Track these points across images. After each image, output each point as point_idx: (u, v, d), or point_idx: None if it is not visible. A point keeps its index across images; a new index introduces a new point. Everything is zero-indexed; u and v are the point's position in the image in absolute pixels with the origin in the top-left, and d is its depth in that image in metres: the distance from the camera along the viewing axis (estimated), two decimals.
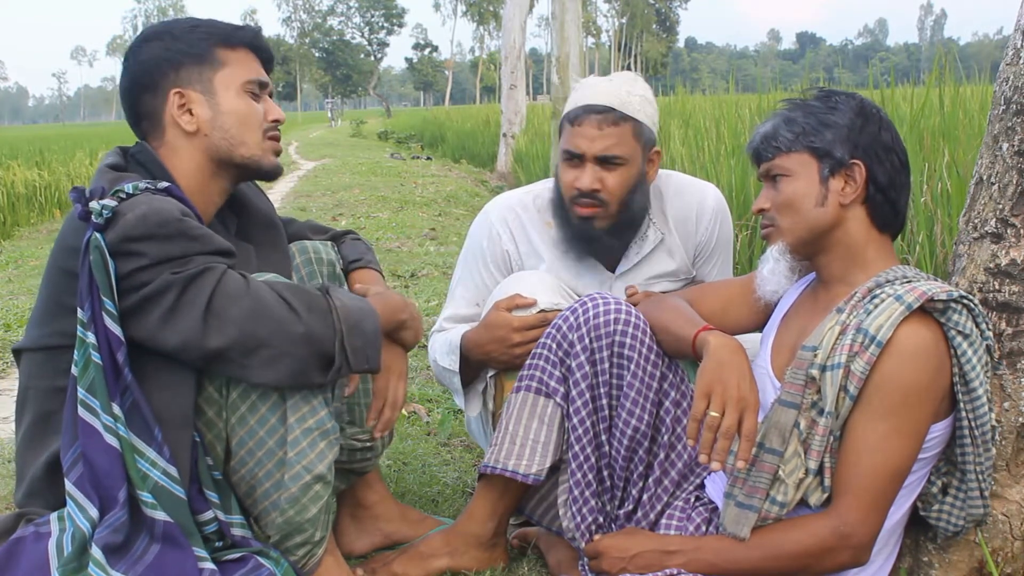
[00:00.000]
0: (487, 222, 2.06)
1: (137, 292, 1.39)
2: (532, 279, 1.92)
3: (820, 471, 1.44)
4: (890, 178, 1.50)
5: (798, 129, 1.51)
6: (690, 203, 2.06)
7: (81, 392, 1.39)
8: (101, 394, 1.38)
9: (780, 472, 1.45)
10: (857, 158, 1.49)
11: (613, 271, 2.03)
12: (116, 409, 1.38)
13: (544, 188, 2.08)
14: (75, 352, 1.39)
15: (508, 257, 2.04)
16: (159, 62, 1.55)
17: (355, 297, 1.55)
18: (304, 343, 1.43)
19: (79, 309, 1.38)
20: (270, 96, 1.65)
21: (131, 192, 1.42)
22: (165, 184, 1.47)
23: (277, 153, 1.66)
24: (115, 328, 1.38)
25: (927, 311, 1.40)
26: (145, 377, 1.42)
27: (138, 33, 1.63)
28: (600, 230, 1.92)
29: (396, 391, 1.68)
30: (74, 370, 1.39)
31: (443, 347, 1.99)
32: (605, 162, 1.88)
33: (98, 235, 1.37)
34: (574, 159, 1.90)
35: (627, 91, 1.90)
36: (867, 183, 1.49)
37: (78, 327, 1.39)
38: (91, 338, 1.38)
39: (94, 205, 1.38)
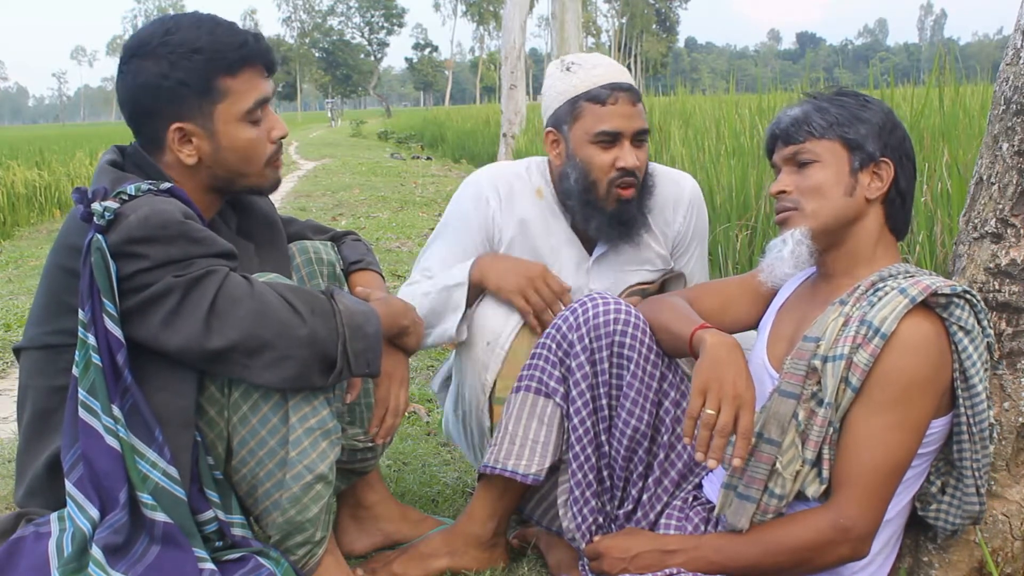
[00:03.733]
0: (477, 186, 2.03)
1: (139, 294, 1.39)
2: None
3: (817, 462, 1.44)
4: (908, 184, 1.54)
5: (831, 118, 1.52)
6: (667, 194, 2.06)
7: (82, 394, 1.39)
8: (101, 396, 1.38)
9: (777, 464, 1.45)
10: (887, 157, 1.51)
11: (591, 252, 2.03)
12: (116, 411, 1.38)
13: (533, 161, 2.07)
14: (76, 353, 1.39)
15: (493, 223, 2.02)
16: (157, 91, 1.48)
17: (358, 301, 1.55)
18: (307, 346, 1.42)
19: (80, 310, 1.38)
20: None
21: (133, 193, 1.41)
22: (168, 184, 1.46)
23: (278, 169, 1.63)
24: (115, 330, 1.38)
25: (929, 306, 1.41)
26: (146, 377, 1.42)
27: (133, 37, 1.54)
28: (634, 211, 1.93)
29: (398, 398, 1.68)
30: (75, 371, 1.40)
31: (440, 281, 1.94)
32: (637, 138, 1.90)
33: (100, 237, 1.36)
34: (610, 139, 1.88)
35: (625, 69, 1.95)
36: (892, 183, 1.51)
37: (79, 328, 1.39)
38: (91, 340, 1.38)
39: (96, 206, 1.37)
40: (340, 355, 1.46)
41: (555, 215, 2.02)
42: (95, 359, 1.38)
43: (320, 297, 1.48)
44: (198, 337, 1.39)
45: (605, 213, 1.92)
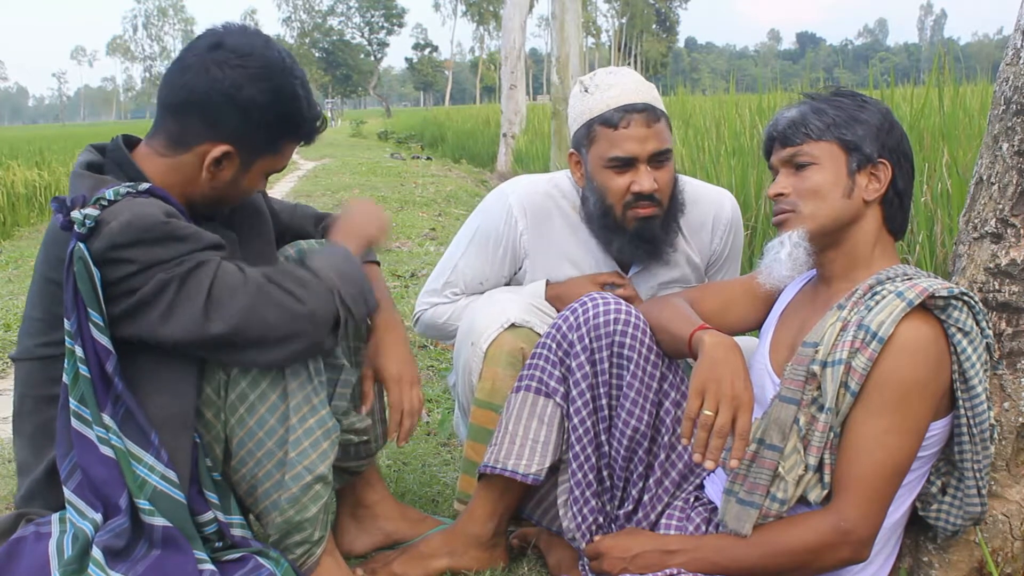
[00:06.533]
0: (506, 206, 2.02)
1: (131, 297, 1.37)
2: (505, 297, 1.94)
3: (820, 467, 1.44)
4: (906, 185, 1.54)
5: (828, 120, 1.51)
6: (706, 212, 2.05)
7: (73, 403, 1.38)
8: (92, 405, 1.37)
9: (780, 469, 1.45)
10: (884, 158, 1.51)
11: (626, 272, 2.03)
12: (107, 420, 1.37)
13: (564, 176, 2.06)
14: (65, 362, 1.38)
15: (519, 245, 2.02)
16: (243, 115, 1.46)
17: (327, 252, 1.56)
18: (310, 320, 1.43)
19: (65, 320, 1.37)
20: None
21: (113, 198, 1.39)
22: (147, 185, 1.43)
23: None
24: (102, 339, 1.37)
25: (928, 308, 1.41)
26: (144, 380, 1.41)
27: (251, 47, 1.47)
28: (657, 229, 1.91)
29: (412, 399, 1.70)
30: (65, 379, 1.38)
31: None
32: (655, 160, 1.87)
33: (81, 245, 1.34)
34: (624, 163, 1.86)
35: (647, 86, 1.92)
36: (890, 184, 1.51)
37: (66, 338, 1.37)
38: (79, 351, 1.36)
39: (76, 215, 1.35)
40: (341, 308, 1.47)
41: (589, 233, 2.02)
42: (83, 370, 1.36)
43: (299, 270, 1.48)
44: (198, 326, 1.38)
45: (626, 233, 1.91)
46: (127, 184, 1.43)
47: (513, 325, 1.86)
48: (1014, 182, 1.52)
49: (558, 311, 1.93)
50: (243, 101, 1.46)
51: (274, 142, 1.53)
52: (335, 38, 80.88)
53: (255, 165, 1.54)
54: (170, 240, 1.38)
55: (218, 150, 1.48)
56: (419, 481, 2.31)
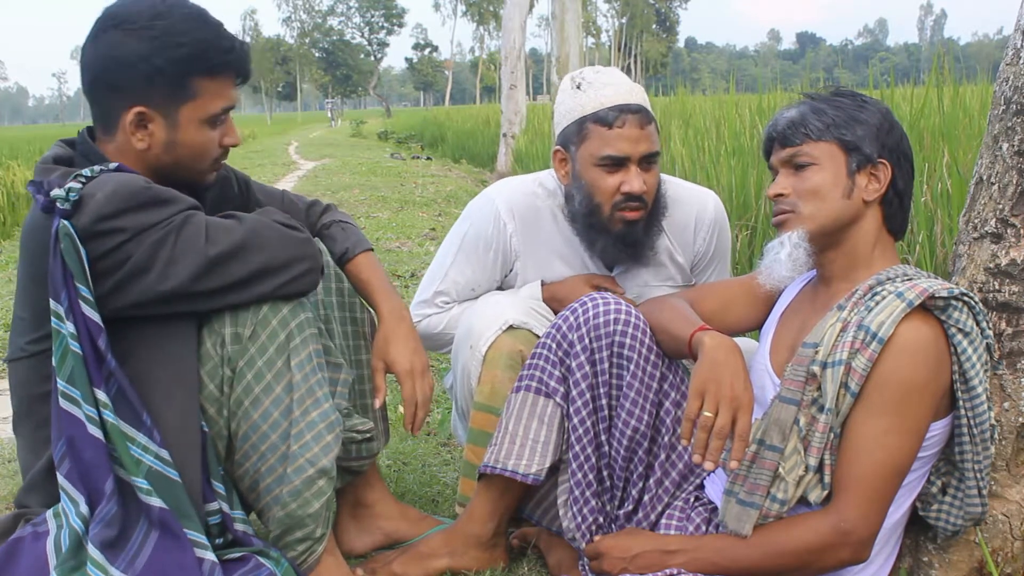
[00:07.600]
0: (493, 209, 2.02)
1: (123, 266, 1.37)
2: (501, 300, 1.93)
3: (820, 468, 1.44)
4: (906, 185, 1.54)
5: (828, 120, 1.51)
6: (688, 212, 2.04)
7: (61, 384, 1.37)
8: (82, 383, 1.37)
9: (780, 469, 1.45)
10: (884, 158, 1.51)
11: (610, 271, 2.03)
12: (102, 396, 1.37)
13: (547, 176, 2.06)
14: (53, 343, 1.38)
15: (510, 247, 2.02)
16: (131, 70, 1.43)
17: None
18: (308, 244, 1.50)
19: (52, 302, 1.36)
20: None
21: (90, 175, 1.40)
22: (115, 164, 1.45)
23: (216, 172, 1.60)
24: (93, 315, 1.37)
25: (928, 308, 1.41)
26: (141, 354, 1.42)
27: (118, 6, 1.46)
28: (640, 233, 1.91)
29: (424, 390, 1.71)
30: (53, 360, 1.38)
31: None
32: (645, 161, 1.87)
33: (66, 222, 1.34)
34: (616, 163, 1.86)
35: (638, 87, 1.92)
36: (890, 184, 1.51)
37: (53, 320, 1.37)
38: (69, 328, 1.36)
39: (57, 192, 1.35)
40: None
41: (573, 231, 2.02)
42: (73, 346, 1.36)
43: (273, 211, 1.54)
44: (199, 263, 1.40)
45: (610, 235, 1.91)
46: (99, 166, 1.44)
47: (511, 327, 1.86)
48: (1014, 182, 1.52)
49: (555, 312, 1.93)
50: (125, 57, 1.44)
51: (181, 84, 1.46)
52: (335, 38, 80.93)
53: (179, 116, 1.48)
54: (156, 204, 1.39)
55: (131, 113, 1.46)
56: (419, 481, 2.31)
